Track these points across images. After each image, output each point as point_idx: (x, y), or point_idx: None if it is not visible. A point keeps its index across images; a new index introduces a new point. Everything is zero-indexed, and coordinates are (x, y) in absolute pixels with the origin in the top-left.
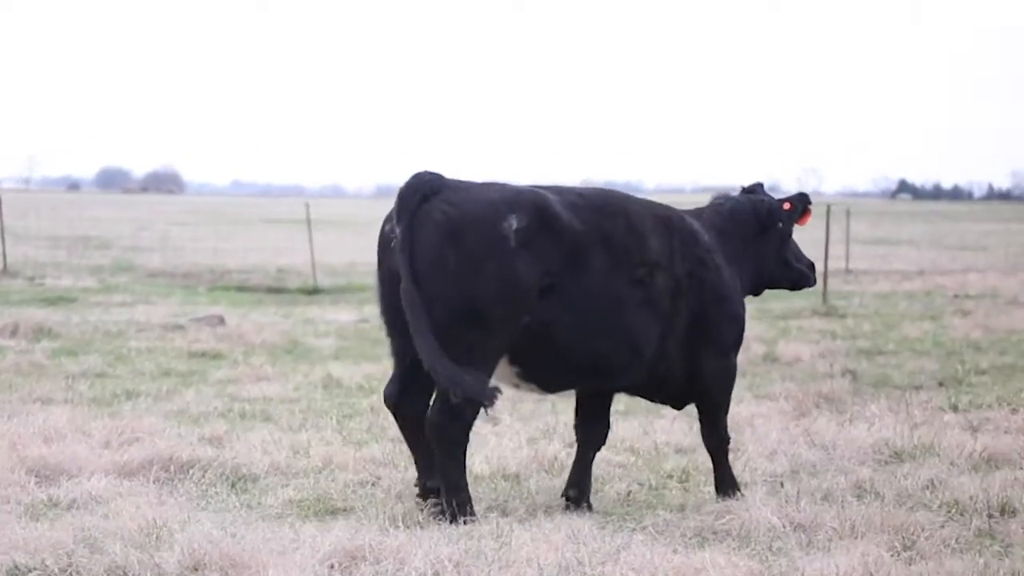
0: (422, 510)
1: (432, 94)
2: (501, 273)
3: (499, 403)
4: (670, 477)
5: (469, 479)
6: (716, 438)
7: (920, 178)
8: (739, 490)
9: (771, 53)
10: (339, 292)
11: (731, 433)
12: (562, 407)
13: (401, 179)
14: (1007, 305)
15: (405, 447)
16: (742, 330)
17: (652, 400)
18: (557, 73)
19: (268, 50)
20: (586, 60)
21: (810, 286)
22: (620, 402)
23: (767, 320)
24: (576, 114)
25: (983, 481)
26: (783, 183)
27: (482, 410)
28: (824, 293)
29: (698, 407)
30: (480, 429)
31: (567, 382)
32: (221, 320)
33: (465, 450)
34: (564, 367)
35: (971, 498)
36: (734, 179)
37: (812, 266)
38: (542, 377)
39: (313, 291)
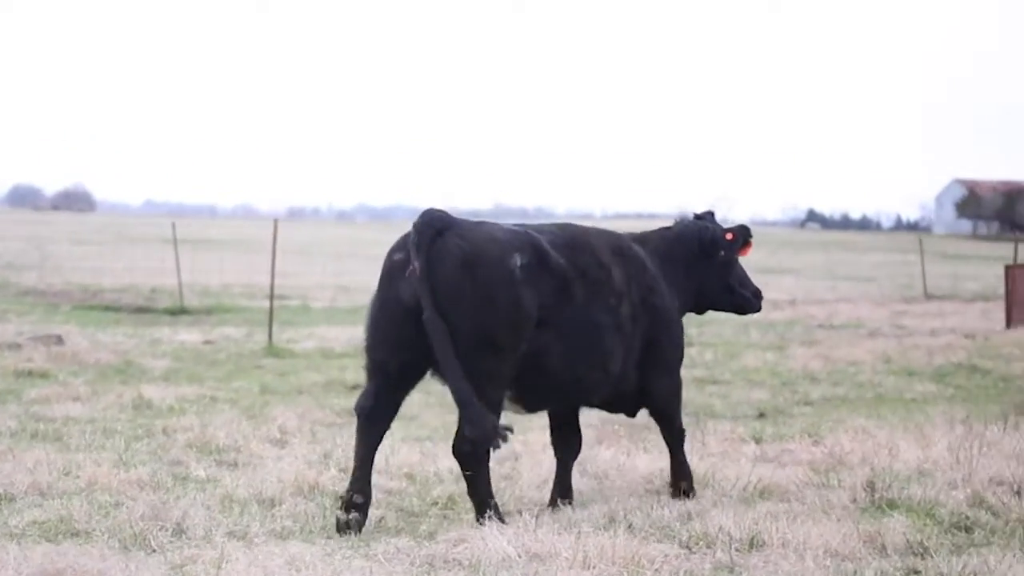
0: (345, 522)
1: (340, 117)
2: (511, 304)
3: (292, 425)
4: (435, 504)
5: (228, 503)
6: (674, 434)
7: (829, 208)
8: (692, 484)
9: (683, 80)
10: (205, 313)
11: (515, 460)
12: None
13: (313, 201)
14: (865, 336)
15: (177, 469)
16: (683, 348)
17: (610, 411)
18: (467, 98)
19: (179, 70)
20: (497, 85)
21: (754, 312)
22: (424, 428)
23: None
24: (487, 138)
25: (739, 513)
26: (694, 210)
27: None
28: None
29: (656, 419)
30: (264, 452)
31: (549, 402)
32: (59, 339)
33: (488, 467)
34: (550, 390)
35: (721, 529)
36: (645, 205)
37: (758, 294)
38: (529, 399)
39: (180, 311)
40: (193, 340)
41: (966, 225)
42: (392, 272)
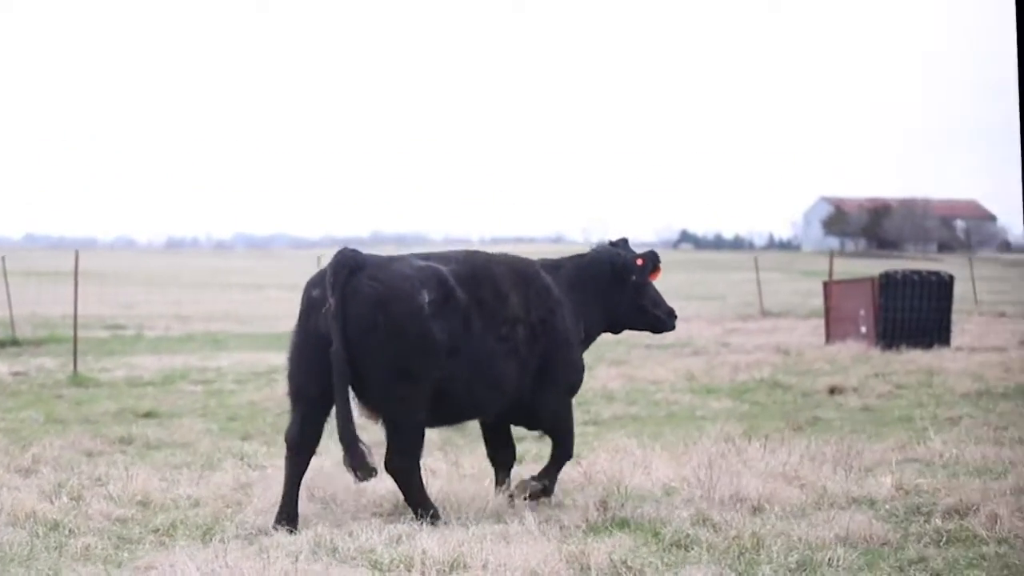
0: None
1: (219, 147)
2: (422, 337)
3: (52, 454)
4: (155, 531)
5: None
6: (562, 453)
7: (703, 228)
8: (551, 493)
9: (556, 104)
10: (35, 344)
11: (248, 488)
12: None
13: (190, 231)
14: (688, 354)
15: None
16: (580, 372)
17: (512, 423)
18: (343, 126)
19: (59, 101)
20: (371, 112)
21: (667, 330)
22: (193, 455)
23: None
24: (364, 165)
25: (447, 535)
26: (568, 233)
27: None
28: None
29: (549, 435)
30: (6, 482)
31: (448, 420)
32: None
33: (420, 477)
34: (449, 410)
35: (424, 552)
36: (523, 230)
37: (671, 313)
38: (431, 417)
39: (11, 343)
40: (5, 371)
41: (833, 242)
42: (311, 307)
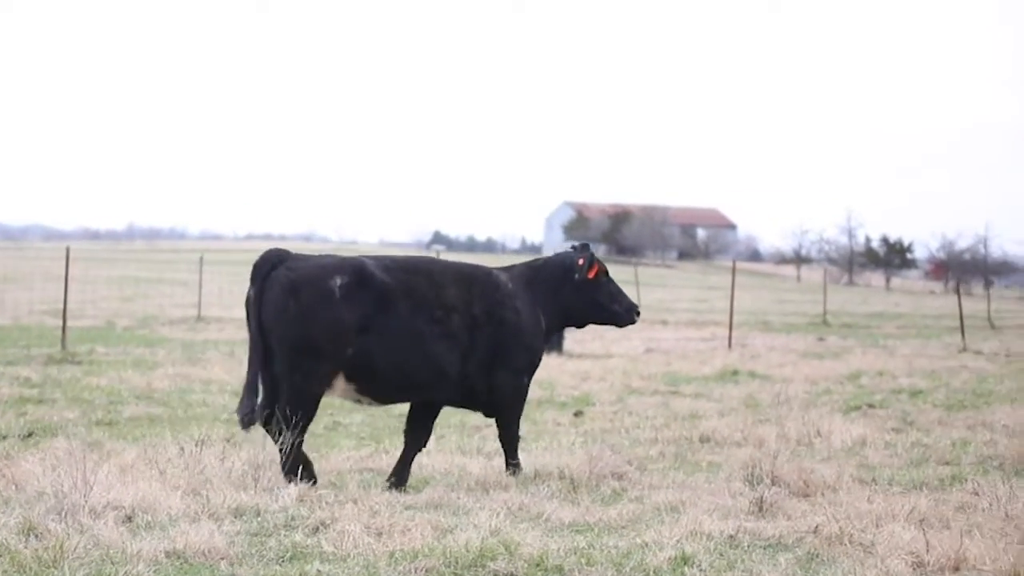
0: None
1: (34, 134)
2: (329, 317)
3: None
4: None
5: None
6: (509, 436)
7: (456, 230)
8: (520, 469)
9: (309, 103)
10: None
11: None
12: None
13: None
14: None
15: None
16: (535, 357)
17: (471, 410)
18: (97, 117)
19: None
20: (124, 105)
21: (627, 324)
22: None
23: None
24: (120, 156)
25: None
26: (320, 232)
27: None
28: (63, 340)
29: (496, 415)
30: None
31: (393, 396)
32: None
33: (299, 440)
34: (385, 385)
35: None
36: (274, 227)
37: (631, 308)
38: (372, 392)
39: None
40: None
41: None
42: (248, 303)
